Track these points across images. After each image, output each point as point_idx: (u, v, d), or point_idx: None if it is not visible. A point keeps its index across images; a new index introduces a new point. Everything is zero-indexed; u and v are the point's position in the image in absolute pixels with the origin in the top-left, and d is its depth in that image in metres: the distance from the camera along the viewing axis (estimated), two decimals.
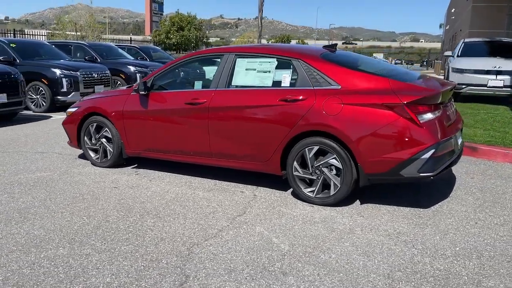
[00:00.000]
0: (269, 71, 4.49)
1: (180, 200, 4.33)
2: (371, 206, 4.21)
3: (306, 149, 4.17)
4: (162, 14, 68.91)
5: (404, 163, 3.84)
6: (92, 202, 4.23)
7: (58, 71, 10.42)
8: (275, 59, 4.49)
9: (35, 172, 5.24)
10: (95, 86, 11.05)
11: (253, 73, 4.56)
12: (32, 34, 19.56)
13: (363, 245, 3.35)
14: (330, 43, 5.04)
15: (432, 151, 3.81)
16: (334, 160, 4.07)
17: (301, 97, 4.19)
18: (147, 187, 4.73)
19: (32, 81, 10.37)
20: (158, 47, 21.21)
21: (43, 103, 10.47)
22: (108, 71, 11.62)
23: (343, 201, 4.17)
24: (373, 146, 3.91)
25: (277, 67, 4.47)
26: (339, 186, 4.08)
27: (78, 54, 13.54)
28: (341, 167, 4.03)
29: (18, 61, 10.63)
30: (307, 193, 4.25)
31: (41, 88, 10.40)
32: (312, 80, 4.23)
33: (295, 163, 4.25)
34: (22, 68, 10.12)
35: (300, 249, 3.28)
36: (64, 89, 10.38)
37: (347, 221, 3.82)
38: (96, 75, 11.19)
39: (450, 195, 4.55)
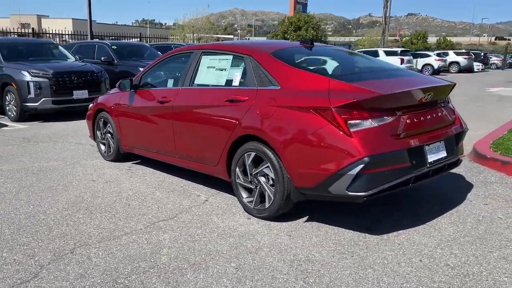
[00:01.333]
0: (225, 69, 4.19)
1: (131, 199, 4.31)
2: (314, 224, 3.64)
3: (245, 155, 3.80)
4: None
5: (330, 178, 3.23)
6: (56, 193, 4.47)
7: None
8: (231, 56, 4.18)
9: (50, 161, 5.76)
10: None
11: (212, 71, 4.32)
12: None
13: (247, 268, 2.91)
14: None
15: (361, 166, 3.11)
16: (268, 169, 3.62)
17: (243, 98, 3.83)
18: (119, 183, 4.82)
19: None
20: None
21: None
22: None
23: (287, 216, 3.70)
24: (300, 155, 3.38)
25: (232, 65, 4.15)
26: (272, 198, 3.61)
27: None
28: (274, 177, 3.56)
29: (116, 61, 11.82)
30: (247, 203, 3.87)
31: None
32: (257, 79, 3.83)
33: (237, 169, 3.89)
34: (119, 67, 11.50)
35: (177, 264, 2.99)
36: None
37: (266, 239, 3.37)
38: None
39: (429, 223, 3.67)
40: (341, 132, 3.16)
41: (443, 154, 3.63)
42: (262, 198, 3.73)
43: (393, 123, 3.30)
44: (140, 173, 5.21)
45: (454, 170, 4.87)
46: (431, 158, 3.49)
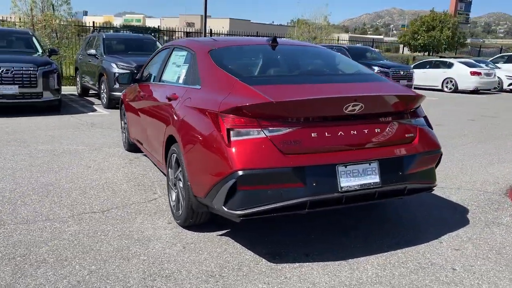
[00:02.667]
0: (179, 66, 4.05)
1: (97, 188, 4.44)
2: (223, 240, 3.29)
3: (171, 156, 3.62)
4: (468, 15, 63.69)
5: (212, 190, 2.89)
6: (45, 174, 4.84)
7: (376, 68, 13.09)
8: (186, 53, 4.00)
9: (79, 145, 6.28)
10: None
11: (173, 68, 4.22)
12: None
13: (101, 274, 2.77)
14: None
15: (233, 180, 2.70)
16: (180, 174, 3.39)
17: (175, 97, 3.65)
18: (105, 172, 5.01)
19: None
20: (373, 48, 20.19)
21: None
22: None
23: (204, 226, 3.43)
24: (194, 161, 3.13)
25: (184, 62, 3.98)
26: (183, 205, 3.37)
27: None
28: (183, 183, 3.32)
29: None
30: (172, 207, 3.69)
31: None
32: (191, 77, 3.63)
33: (169, 170, 3.73)
34: None
35: (44, 257, 2.99)
36: None
37: (157, 247, 3.16)
38: None
39: (353, 260, 3.03)
40: (222, 140, 2.79)
41: (374, 179, 2.94)
42: (179, 204, 3.51)
43: (289, 135, 2.79)
44: (137, 164, 5.35)
45: (461, 200, 3.99)
46: (347, 182, 2.86)
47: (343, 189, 2.84)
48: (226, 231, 3.45)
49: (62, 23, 15.16)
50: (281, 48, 3.97)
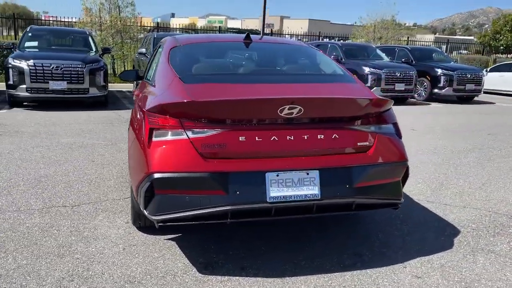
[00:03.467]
0: (156, 63, 3.98)
1: (86, 183, 4.52)
2: (167, 244, 3.17)
3: None
4: None
5: (137, 193, 2.77)
6: (49, 165, 5.04)
7: (439, 71, 13.25)
8: (160, 49, 3.93)
9: (100, 140, 6.50)
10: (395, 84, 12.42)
11: (153, 64, 4.16)
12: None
13: (25, 265, 2.78)
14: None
15: (148, 184, 2.57)
16: None
17: (138, 94, 3.61)
18: (105, 167, 5.10)
19: (420, 77, 13.34)
20: (439, 49, 18.74)
21: (424, 94, 13.62)
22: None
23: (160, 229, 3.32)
24: (130, 160, 3.06)
25: (158, 59, 3.90)
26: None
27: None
28: None
29: (414, 62, 13.94)
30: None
31: (425, 83, 13.56)
32: (153, 74, 3.61)
33: None
34: (416, 67, 13.30)
35: None
36: (441, 85, 13.16)
37: (98, 246, 3.12)
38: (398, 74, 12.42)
39: (290, 279, 2.74)
40: (144, 140, 2.67)
41: (311, 190, 2.62)
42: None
43: (213, 138, 2.60)
44: None
45: (457, 220, 3.54)
46: (278, 192, 2.58)
47: (272, 199, 2.58)
48: (178, 235, 3.32)
49: (127, 24, 15.94)
50: (253, 45, 3.76)
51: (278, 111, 2.60)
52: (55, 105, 9.32)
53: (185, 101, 2.58)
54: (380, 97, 2.91)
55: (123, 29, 15.50)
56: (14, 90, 8.93)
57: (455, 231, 3.51)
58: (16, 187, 4.30)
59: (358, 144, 2.77)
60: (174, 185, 2.57)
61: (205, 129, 2.60)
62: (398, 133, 2.97)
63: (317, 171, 2.65)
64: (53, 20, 21.10)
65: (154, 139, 2.61)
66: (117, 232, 3.37)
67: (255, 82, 3.16)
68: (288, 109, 2.60)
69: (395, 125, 2.98)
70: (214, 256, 3.01)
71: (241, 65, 3.70)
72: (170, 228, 3.34)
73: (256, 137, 2.62)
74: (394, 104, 3.04)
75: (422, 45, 24.60)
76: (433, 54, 15.48)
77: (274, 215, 2.65)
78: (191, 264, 2.90)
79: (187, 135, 2.58)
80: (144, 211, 2.68)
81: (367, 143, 2.79)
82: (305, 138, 2.68)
